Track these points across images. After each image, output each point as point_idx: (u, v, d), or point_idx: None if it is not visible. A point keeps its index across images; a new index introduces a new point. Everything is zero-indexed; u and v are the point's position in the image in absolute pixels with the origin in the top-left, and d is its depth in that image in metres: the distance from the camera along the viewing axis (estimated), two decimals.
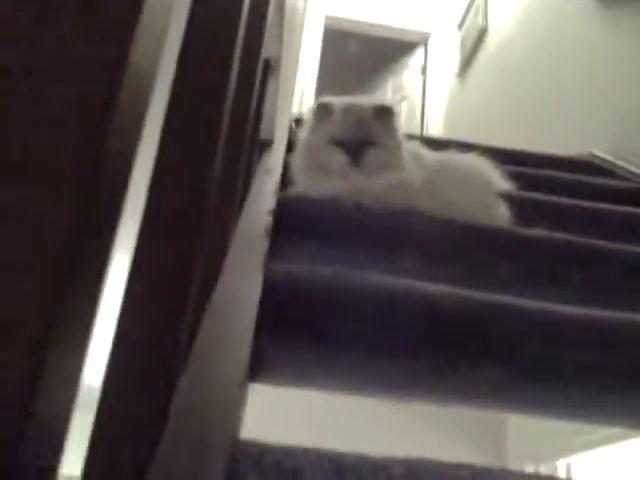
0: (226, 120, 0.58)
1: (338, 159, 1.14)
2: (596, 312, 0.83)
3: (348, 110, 1.20)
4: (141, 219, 0.48)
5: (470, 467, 0.51)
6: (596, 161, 2.31)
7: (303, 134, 1.25)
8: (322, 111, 1.21)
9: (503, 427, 3.08)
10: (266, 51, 0.99)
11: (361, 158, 1.14)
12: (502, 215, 1.23)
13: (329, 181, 1.12)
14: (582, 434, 2.33)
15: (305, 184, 1.17)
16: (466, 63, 4.39)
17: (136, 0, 0.30)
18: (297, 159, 1.23)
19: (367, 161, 1.14)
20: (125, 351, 0.41)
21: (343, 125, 1.17)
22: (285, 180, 1.25)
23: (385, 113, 1.20)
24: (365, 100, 1.26)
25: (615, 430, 2.12)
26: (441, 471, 0.49)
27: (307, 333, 0.72)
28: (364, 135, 1.16)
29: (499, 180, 1.27)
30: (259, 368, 0.75)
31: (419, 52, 5.40)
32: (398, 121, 1.23)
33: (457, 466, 0.50)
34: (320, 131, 1.19)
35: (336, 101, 1.23)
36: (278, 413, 2.12)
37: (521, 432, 2.93)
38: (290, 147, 1.51)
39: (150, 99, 0.35)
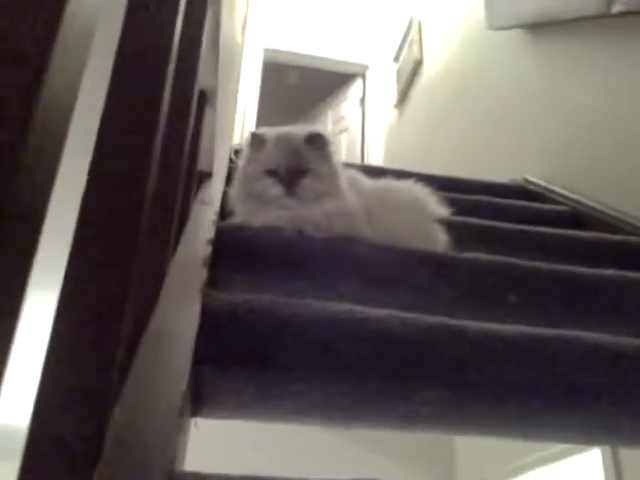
0: (158, 151, 0.58)
1: (273, 189, 1.15)
2: (530, 329, 0.86)
3: (280, 140, 1.21)
4: (70, 250, 0.47)
5: None
6: (530, 186, 2.40)
7: (240, 165, 1.25)
8: (255, 142, 1.23)
9: (451, 449, 3.10)
10: (201, 83, 0.99)
11: (295, 187, 1.15)
12: (440, 240, 1.26)
13: (268, 211, 1.13)
14: (529, 453, 2.37)
15: (244, 214, 1.17)
16: (403, 94, 4.50)
17: (50, 28, 0.30)
18: (235, 190, 1.23)
19: (301, 190, 1.15)
20: (55, 384, 0.40)
21: (276, 155, 1.18)
22: (225, 211, 1.24)
23: (317, 140, 1.22)
24: (297, 129, 1.27)
25: (560, 447, 2.16)
26: None
27: (248, 362, 0.71)
28: (297, 163, 1.17)
29: (436, 206, 1.30)
30: (201, 402, 0.73)
31: (358, 84, 5.52)
32: (331, 148, 1.24)
33: None
34: (254, 162, 1.21)
35: (268, 131, 1.25)
36: (222, 444, 2.07)
37: (468, 453, 2.96)
38: (230, 178, 1.51)
39: (68, 129, 0.34)
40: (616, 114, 1.95)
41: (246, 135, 1.29)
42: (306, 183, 1.16)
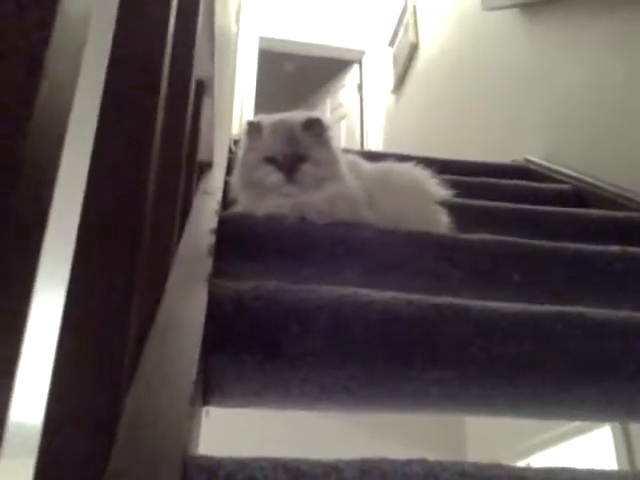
0: (157, 141, 0.58)
1: (272, 176, 1.15)
2: (535, 307, 0.86)
3: (277, 127, 1.20)
4: (74, 247, 0.47)
5: (422, 462, 0.51)
6: (531, 166, 2.39)
7: (239, 154, 1.25)
8: (252, 130, 1.22)
9: (462, 432, 3.11)
10: (198, 72, 0.99)
11: (295, 173, 1.15)
12: (442, 221, 1.26)
13: (269, 199, 1.12)
14: (539, 433, 2.37)
15: (246, 203, 1.17)
16: (400, 79, 4.48)
17: (46, 22, 0.30)
18: (235, 179, 1.23)
19: (301, 176, 1.15)
20: (68, 374, 0.40)
21: (273, 142, 1.18)
22: (227, 200, 1.24)
23: (314, 125, 1.21)
24: (294, 115, 1.26)
25: (570, 426, 2.17)
26: (394, 468, 0.50)
27: (256, 349, 0.71)
28: (295, 150, 1.17)
29: (437, 188, 1.30)
30: (211, 391, 0.74)
31: (354, 70, 5.49)
32: (329, 132, 1.24)
33: (409, 462, 0.51)
34: (253, 150, 1.20)
35: (265, 118, 1.24)
36: (232, 430, 2.08)
37: (479, 435, 2.97)
38: (231, 168, 1.51)
39: (67, 124, 0.34)
40: (614, 90, 1.94)
41: (244, 123, 1.27)
42: (305, 169, 1.16)
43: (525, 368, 0.78)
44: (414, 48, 4.21)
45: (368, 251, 1.06)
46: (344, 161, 1.23)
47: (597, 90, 2.04)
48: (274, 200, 1.12)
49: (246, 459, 0.49)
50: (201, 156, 1.17)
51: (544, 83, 2.44)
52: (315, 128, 1.21)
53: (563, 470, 0.55)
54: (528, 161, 2.44)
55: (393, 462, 0.51)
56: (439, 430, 3.01)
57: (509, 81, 2.78)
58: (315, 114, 1.28)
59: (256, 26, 4.99)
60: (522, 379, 0.78)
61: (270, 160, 1.16)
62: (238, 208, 1.19)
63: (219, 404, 0.77)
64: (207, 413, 0.78)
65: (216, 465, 0.47)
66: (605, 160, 1.98)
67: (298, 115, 1.25)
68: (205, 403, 0.75)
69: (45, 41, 0.30)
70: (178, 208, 0.75)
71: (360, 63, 5.49)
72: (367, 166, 1.32)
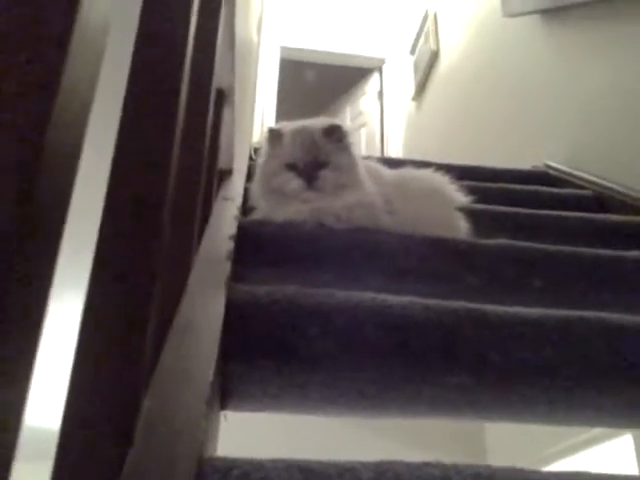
0: (177, 147, 0.59)
1: (293, 183, 1.16)
2: (554, 311, 0.85)
3: (297, 133, 1.21)
4: (95, 251, 0.48)
5: (437, 464, 0.51)
6: (551, 172, 2.38)
7: (259, 161, 1.26)
8: (273, 137, 1.23)
9: (482, 440, 3.09)
10: (218, 81, 1.01)
11: (315, 180, 1.15)
12: (462, 227, 1.26)
13: (289, 205, 1.13)
14: (559, 441, 2.35)
15: (265, 209, 1.18)
16: (421, 86, 4.48)
17: (65, 30, 0.31)
18: (256, 186, 1.24)
19: (321, 182, 1.16)
20: (86, 376, 0.41)
21: (293, 149, 1.19)
22: (247, 206, 1.25)
23: (334, 132, 1.21)
24: (315, 122, 1.26)
25: (591, 434, 2.14)
26: (409, 470, 0.50)
27: (274, 353, 0.72)
28: (315, 156, 1.18)
29: (456, 193, 1.30)
30: (229, 395, 0.75)
31: (375, 78, 5.50)
32: (349, 139, 1.24)
33: (426, 465, 0.51)
34: (273, 157, 1.21)
35: (286, 126, 1.25)
36: (248, 433, 2.09)
37: (499, 444, 2.94)
38: (250, 175, 1.52)
39: (84, 132, 0.35)
40: (635, 96, 1.92)
41: (264, 131, 1.29)
42: (325, 175, 1.16)
43: (545, 374, 0.78)
44: (435, 55, 4.21)
45: (386, 256, 1.06)
46: (364, 167, 1.24)
47: (617, 95, 2.03)
48: (294, 206, 1.13)
49: (260, 460, 0.50)
50: (221, 163, 1.18)
51: (564, 89, 2.42)
52: (335, 134, 1.21)
53: (577, 474, 0.54)
54: (548, 167, 2.43)
55: (408, 464, 0.51)
56: (458, 437, 2.99)
57: (529, 87, 2.77)
58: (335, 121, 1.29)
59: (277, 35, 5.03)
60: (542, 385, 0.78)
61: (291, 167, 1.17)
62: (258, 214, 1.20)
63: (237, 408, 0.78)
64: (225, 417, 0.78)
65: (230, 465, 0.48)
66: (626, 165, 1.96)
67: (319, 122, 1.26)
68: (223, 407, 0.76)
69: (63, 51, 0.31)
70: (198, 213, 0.76)
71: (381, 71, 5.50)
72: (386, 172, 1.33)
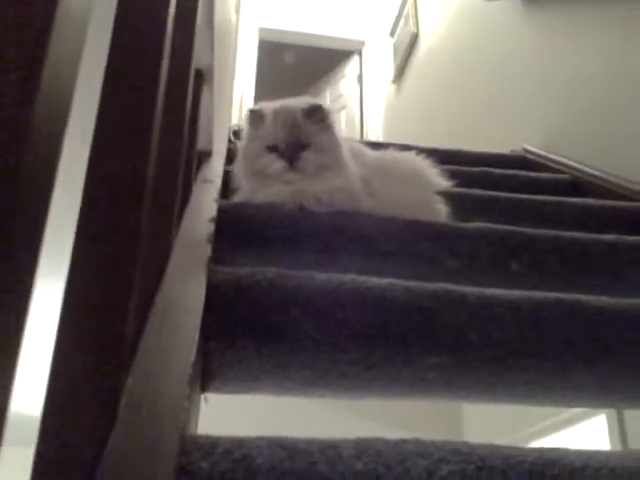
0: (157, 129, 0.59)
1: (275, 164, 1.15)
2: (531, 293, 0.86)
3: (278, 114, 1.20)
4: (75, 232, 0.47)
5: (418, 442, 0.52)
6: (530, 156, 2.39)
7: (241, 143, 1.25)
8: (254, 118, 1.22)
9: (459, 423, 3.13)
10: (197, 61, 0.99)
11: (297, 161, 1.15)
12: (441, 211, 1.26)
13: (271, 186, 1.13)
14: (534, 422, 2.39)
15: (248, 191, 1.18)
16: (400, 69, 4.47)
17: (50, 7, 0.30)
18: (238, 167, 1.24)
19: (303, 164, 1.15)
20: (69, 357, 0.41)
21: (275, 130, 1.18)
22: (230, 188, 1.25)
23: (316, 112, 1.20)
24: (296, 102, 1.25)
25: (566, 415, 2.18)
26: (388, 447, 0.50)
27: (255, 334, 0.72)
28: (297, 137, 1.17)
29: (437, 177, 1.30)
30: (210, 376, 0.75)
31: (354, 60, 5.48)
32: (331, 119, 1.23)
33: (405, 442, 0.52)
34: (255, 138, 1.20)
35: (267, 106, 1.23)
36: (229, 416, 2.09)
37: (476, 426, 2.99)
38: (231, 157, 1.51)
39: (68, 115, 0.35)
40: (613, 80, 1.94)
41: (245, 112, 1.27)
42: (307, 156, 1.16)
43: (522, 354, 0.79)
44: (414, 38, 4.20)
45: (367, 239, 1.06)
46: (347, 147, 1.24)
47: (596, 81, 2.04)
48: (275, 188, 1.13)
49: (243, 438, 0.50)
50: (200, 145, 1.17)
51: (544, 73, 2.44)
52: (317, 114, 1.20)
53: (552, 451, 0.56)
54: (526, 151, 2.45)
55: (387, 442, 0.52)
56: (436, 417, 3.02)
57: (509, 71, 2.78)
58: (317, 101, 1.28)
59: (256, 16, 4.98)
60: (520, 365, 0.79)
61: (272, 148, 1.16)
62: (240, 196, 1.20)
63: (218, 390, 0.78)
64: (206, 400, 0.78)
65: (213, 443, 0.48)
66: (603, 151, 1.98)
67: (300, 102, 1.25)
68: (204, 389, 0.76)
69: (47, 30, 0.31)
70: (178, 195, 0.76)
71: (360, 54, 5.47)
72: (369, 153, 1.33)
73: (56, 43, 0.31)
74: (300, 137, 1.17)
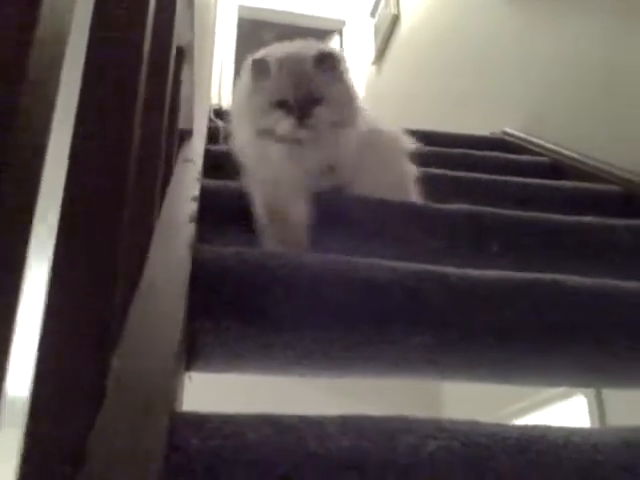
0: (141, 107, 0.58)
1: (283, 123, 1.03)
2: (512, 274, 0.88)
3: (285, 64, 1.06)
4: (59, 213, 0.47)
5: (402, 418, 0.53)
6: (509, 138, 2.41)
7: (240, 94, 1.14)
8: (257, 69, 1.07)
9: (438, 399, 3.17)
10: (177, 39, 0.98)
11: (308, 118, 1.03)
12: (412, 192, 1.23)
13: (277, 151, 1.05)
14: (514, 402, 2.43)
15: (251, 155, 1.10)
16: (381, 51, 4.45)
17: None
18: (240, 128, 1.13)
19: (314, 120, 1.03)
20: (55, 339, 0.41)
21: (283, 82, 1.04)
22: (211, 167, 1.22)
23: (327, 60, 1.07)
24: (304, 47, 1.12)
25: (546, 395, 2.22)
26: (374, 423, 0.51)
27: (240, 314, 0.72)
28: (307, 90, 1.04)
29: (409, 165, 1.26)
30: (196, 356, 0.75)
31: (335, 40, 5.44)
32: (344, 65, 1.11)
33: (389, 418, 0.53)
34: (259, 92, 1.07)
35: (271, 54, 1.09)
36: (214, 395, 2.10)
37: (455, 404, 3.03)
38: (212, 137, 1.50)
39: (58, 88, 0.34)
40: (592, 63, 1.95)
41: (247, 63, 1.11)
42: (319, 113, 1.04)
43: (503, 334, 0.80)
44: (395, 19, 4.18)
45: (350, 220, 1.07)
46: (360, 98, 1.13)
47: (575, 64, 2.06)
48: (284, 151, 1.04)
49: (232, 414, 0.50)
50: (181, 124, 1.16)
51: (524, 57, 2.44)
52: (328, 62, 1.07)
53: (535, 428, 0.57)
54: (505, 133, 2.46)
55: (371, 418, 0.53)
56: (415, 396, 3.06)
57: (489, 53, 2.78)
58: (327, 47, 1.16)
59: None
60: (501, 345, 0.80)
61: (280, 104, 1.03)
62: (249, 162, 1.10)
63: (202, 369, 0.78)
64: (190, 378, 0.78)
65: (203, 419, 0.48)
66: (582, 133, 1.99)
67: (309, 47, 1.11)
68: (189, 369, 0.76)
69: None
70: (160, 175, 0.75)
71: (341, 33, 5.44)
72: (365, 120, 1.18)
73: (44, 22, 0.31)
74: (311, 90, 1.04)
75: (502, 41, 2.66)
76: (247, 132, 1.09)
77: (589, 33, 1.98)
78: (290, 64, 1.05)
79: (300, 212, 1.01)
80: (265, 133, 1.04)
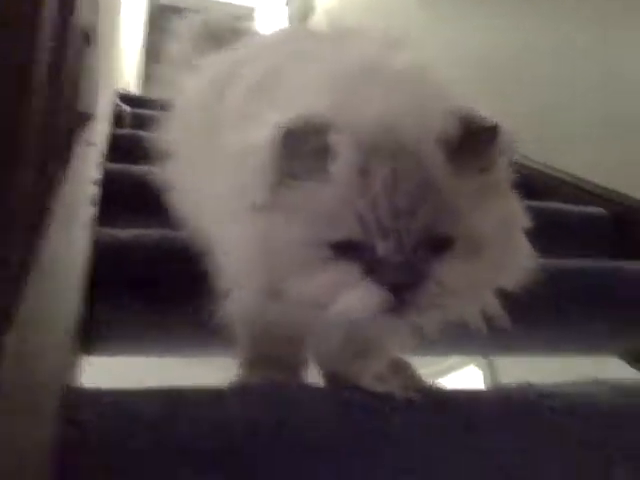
0: (37, 87, 0.57)
1: (364, 298, 0.45)
2: None
3: (380, 152, 0.45)
4: None
5: (298, 386, 0.56)
6: None
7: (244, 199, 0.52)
8: (294, 147, 0.45)
9: None
10: (81, 21, 0.97)
11: (418, 287, 0.47)
12: None
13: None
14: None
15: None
16: None
17: None
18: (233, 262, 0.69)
19: (433, 298, 0.45)
20: None
21: (366, 198, 0.44)
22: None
23: (478, 139, 0.53)
24: (407, 104, 0.49)
25: (444, 365, 2.31)
26: (271, 389, 0.54)
27: (138, 295, 0.73)
28: (426, 220, 0.44)
29: None
30: (94, 339, 0.75)
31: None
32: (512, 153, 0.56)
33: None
34: (290, 204, 0.46)
35: (336, 116, 0.45)
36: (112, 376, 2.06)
37: None
38: (117, 121, 1.48)
39: None
40: (507, 60, 2.01)
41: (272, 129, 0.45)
42: (449, 277, 0.47)
43: None
44: (310, 10, 4.20)
45: None
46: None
47: (486, 61, 2.12)
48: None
49: (129, 389, 0.51)
50: (84, 107, 1.14)
51: (436, 52, 2.50)
52: (478, 148, 0.52)
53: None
54: None
55: (270, 385, 0.56)
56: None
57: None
58: (473, 106, 0.55)
59: None
60: None
61: (354, 247, 0.46)
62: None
63: (102, 352, 0.78)
64: (89, 362, 0.79)
65: (99, 395, 0.49)
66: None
67: (415, 105, 0.51)
68: (87, 352, 0.76)
69: None
70: (58, 155, 0.75)
71: (252, 21, 5.41)
72: None
73: None
74: (437, 219, 0.46)
75: (415, 35, 2.71)
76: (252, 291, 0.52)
77: (499, 28, 2.02)
78: (388, 152, 0.46)
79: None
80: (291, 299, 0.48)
